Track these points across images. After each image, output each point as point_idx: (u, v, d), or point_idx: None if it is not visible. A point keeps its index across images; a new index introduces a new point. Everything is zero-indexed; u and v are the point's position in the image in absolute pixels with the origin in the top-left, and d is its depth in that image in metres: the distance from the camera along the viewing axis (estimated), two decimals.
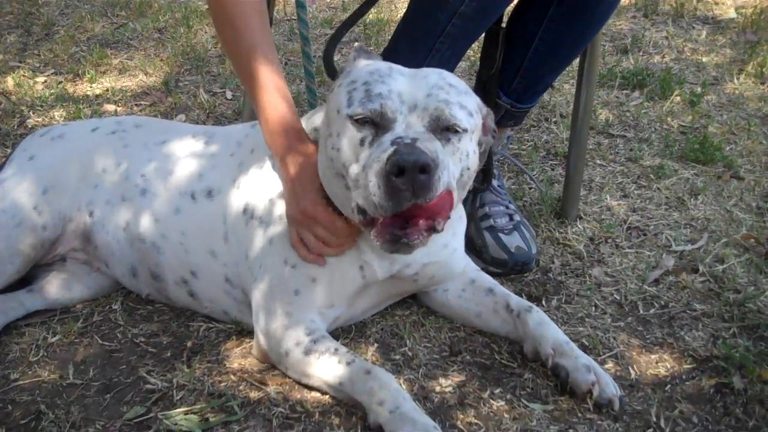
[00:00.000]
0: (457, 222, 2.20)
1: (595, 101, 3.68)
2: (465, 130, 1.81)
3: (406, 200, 1.66)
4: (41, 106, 3.55)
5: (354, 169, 1.76)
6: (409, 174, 1.63)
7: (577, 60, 2.69)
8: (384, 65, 1.86)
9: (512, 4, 2.44)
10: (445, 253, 2.18)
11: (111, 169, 2.25)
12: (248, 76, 2.01)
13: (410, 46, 2.32)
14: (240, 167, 2.13)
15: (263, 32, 2.04)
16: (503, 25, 2.51)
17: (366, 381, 1.84)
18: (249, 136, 2.21)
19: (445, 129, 1.79)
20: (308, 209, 1.94)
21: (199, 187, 2.16)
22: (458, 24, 2.23)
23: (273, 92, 1.98)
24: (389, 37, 2.52)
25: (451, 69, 2.32)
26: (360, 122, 1.75)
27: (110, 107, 3.55)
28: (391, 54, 2.39)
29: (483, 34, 2.51)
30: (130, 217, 2.21)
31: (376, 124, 1.76)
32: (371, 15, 4.78)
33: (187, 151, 2.24)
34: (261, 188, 2.07)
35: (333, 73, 2.24)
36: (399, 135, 1.72)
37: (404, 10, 2.47)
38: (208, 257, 2.12)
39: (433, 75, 1.86)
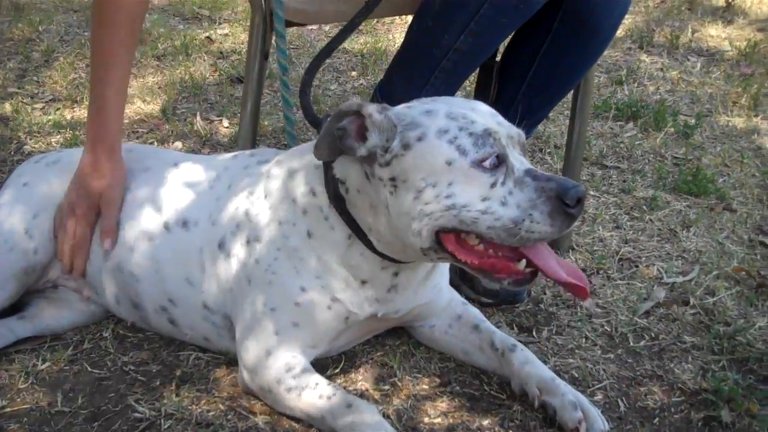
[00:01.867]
0: None
1: (589, 132, 3.70)
2: None
3: (572, 225, 1.76)
4: (38, 133, 3.56)
5: (478, 207, 1.74)
6: (582, 203, 1.73)
7: (571, 92, 2.71)
8: (443, 106, 1.85)
9: (507, 39, 2.47)
10: (433, 293, 2.20)
11: None
12: (95, 76, 2.21)
13: (405, 80, 2.34)
14: (217, 202, 2.13)
15: (128, 45, 2.20)
16: (498, 59, 2.53)
17: (347, 414, 1.84)
18: (228, 169, 2.20)
19: None
20: (82, 216, 2.20)
21: (174, 218, 2.16)
22: (453, 59, 2.25)
23: (112, 103, 2.19)
24: (386, 67, 2.54)
25: None
26: (488, 166, 1.75)
27: None
28: (386, 86, 2.41)
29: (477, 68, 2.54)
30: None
31: (501, 162, 1.77)
32: (368, 45, 4.82)
33: (166, 181, 2.24)
34: (237, 228, 2.07)
35: (308, 105, 2.24)
36: (528, 167, 1.79)
37: (400, 41, 2.48)
38: (185, 285, 2.13)
39: (483, 105, 1.90)
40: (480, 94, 2.56)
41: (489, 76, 2.51)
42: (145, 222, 2.20)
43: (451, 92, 2.37)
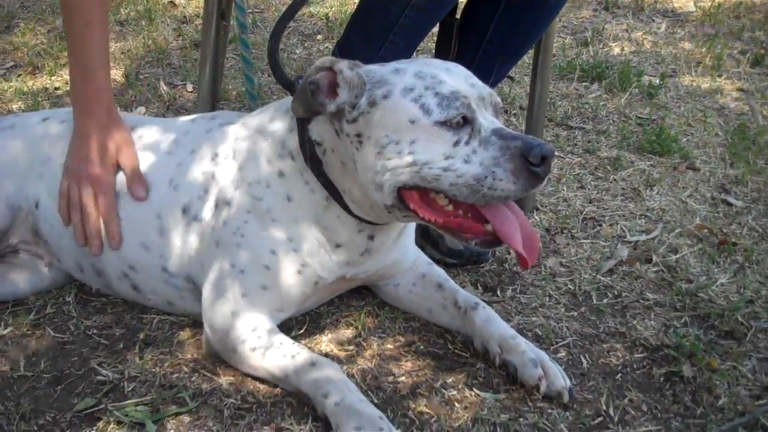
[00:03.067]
0: None
1: (554, 93, 3.71)
2: None
3: (538, 185, 1.73)
4: (0, 99, 3.51)
5: (440, 164, 1.74)
6: (548, 161, 1.70)
7: (532, 51, 2.71)
8: (414, 66, 1.85)
9: None
10: (400, 252, 2.20)
11: (55, 159, 2.23)
12: (77, 39, 2.16)
13: (364, 39, 2.32)
14: (179, 167, 2.11)
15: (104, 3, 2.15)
16: (457, 16, 2.52)
17: (311, 373, 1.85)
18: (188, 133, 2.18)
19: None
20: (102, 176, 2.11)
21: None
22: (411, 15, 2.23)
23: (98, 62, 2.15)
24: None
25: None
26: (452, 125, 1.75)
27: (69, 100, 3.52)
28: (344, 47, 2.38)
29: (437, 26, 2.52)
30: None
31: (467, 122, 1.76)
32: (333, 8, 4.78)
33: None
34: (204, 192, 2.05)
35: (278, 69, 2.21)
36: (497, 126, 1.77)
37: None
38: (142, 250, 2.11)
39: (459, 68, 1.89)
40: (440, 52, 2.55)
41: (449, 33, 2.50)
42: None
43: (410, 50, 2.37)
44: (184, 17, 4.65)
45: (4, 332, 2.13)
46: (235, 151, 2.04)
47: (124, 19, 4.57)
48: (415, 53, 2.54)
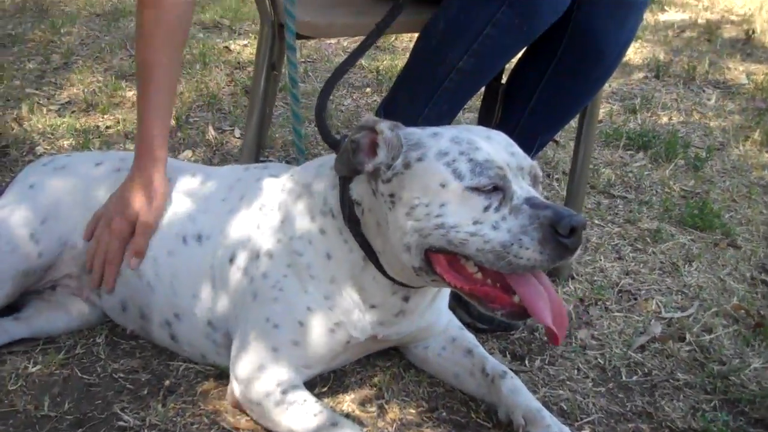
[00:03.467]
0: None
1: (598, 161, 3.70)
2: None
3: (567, 257, 1.72)
4: (52, 135, 3.60)
5: (468, 229, 1.74)
6: (578, 233, 1.69)
7: (578, 118, 2.71)
8: (452, 131, 1.87)
9: (513, 61, 2.47)
10: (434, 316, 2.20)
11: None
12: (141, 95, 2.26)
13: (408, 98, 2.35)
14: (229, 214, 2.15)
15: (170, 62, 2.24)
16: (503, 81, 2.54)
17: None
18: (241, 180, 2.22)
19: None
20: (121, 229, 2.20)
21: (191, 231, 2.18)
22: (455, 79, 2.26)
23: (161, 127, 2.24)
24: None
25: (448, 122, 2.36)
26: (484, 191, 1.76)
27: (119, 140, 3.59)
28: (390, 104, 2.42)
29: (483, 90, 2.54)
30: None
31: (499, 189, 1.77)
32: (384, 62, 4.83)
33: (182, 192, 2.26)
34: (248, 240, 2.08)
35: (325, 128, 2.25)
36: (530, 195, 1.77)
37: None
38: (193, 300, 2.14)
39: (501, 135, 1.90)
40: (485, 116, 2.57)
41: (494, 98, 2.53)
42: (166, 233, 2.22)
43: (454, 112, 2.39)
44: (238, 63, 4.73)
45: (33, 370, 2.16)
46: (280, 204, 2.07)
47: None
48: (462, 111, 2.55)
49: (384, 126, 1.85)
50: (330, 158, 2.07)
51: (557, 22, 2.26)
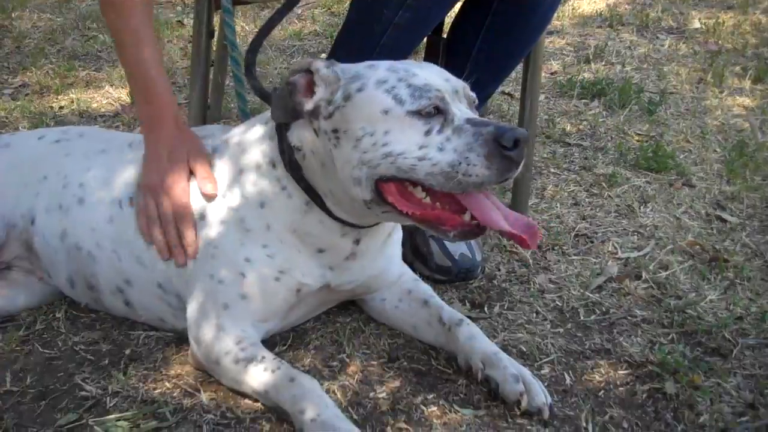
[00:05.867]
0: (397, 229, 2.23)
1: (553, 111, 3.73)
2: None
3: (513, 170, 1.75)
4: (6, 118, 3.57)
5: (415, 154, 1.76)
6: (520, 145, 1.72)
7: (522, 68, 2.73)
8: (386, 63, 1.90)
9: (452, 16, 2.48)
10: (386, 263, 2.22)
11: (51, 177, 2.27)
12: (132, 61, 2.18)
13: (348, 56, 2.33)
14: None
15: (146, 21, 2.19)
16: (443, 35, 2.55)
17: (289, 388, 1.86)
18: None
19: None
20: (176, 181, 2.07)
21: (126, 195, 2.18)
22: (393, 35, 2.27)
23: (158, 78, 2.17)
24: None
25: None
26: (425, 114, 1.78)
27: (74, 119, 3.57)
28: None
29: (425, 44, 2.55)
30: (67, 226, 2.22)
31: (439, 112, 1.79)
32: (338, 26, 4.81)
33: (121, 160, 2.25)
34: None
35: (255, 82, 2.24)
36: (469, 115, 1.81)
37: None
38: (137, 265, 2.14)
39: (433, 66, 1.94)
40: None
41: (436, 52, 2.53)
42: (103, 203, 2.20)
43: None
44: (191, 37, 4.69)
45: None
46: (213, 165, 2.07)
47: None
48: None
49: (319, 64, 1.87)
50: (264, 114, 2.08)
51: None
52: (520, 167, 1.76)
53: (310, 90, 1.88)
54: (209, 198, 2.05)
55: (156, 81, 2.17)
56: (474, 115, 1.84)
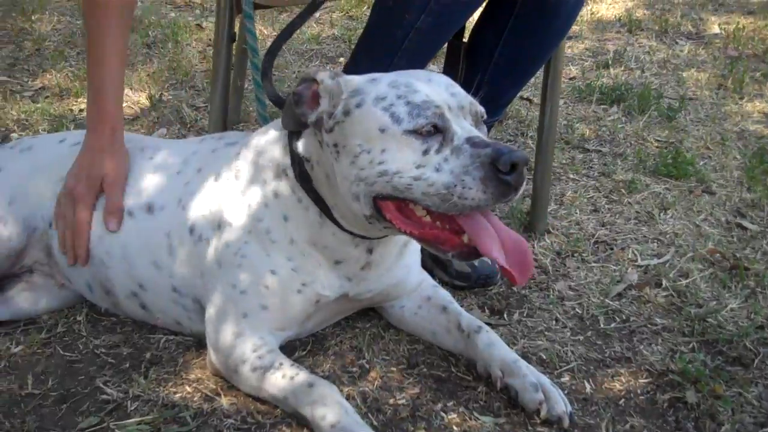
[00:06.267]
0: None
1: (572, 116, 3.72)
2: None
3: (511, 194, 1.71)
4: (26, 121, 3.59)
5: (411, 173, 1.74)
6: (518, 170, 1.68)
7: (543, 74, 2.72)
8: (391, 75, 1.88)
9: (473, 20, 2.47)
10: (404, 272, 2.22)
11: None
12: (94, 60, 2.23)
13: (370, 61, 2.35)
14: (186, 186, 2.15)
15: (121, 26, 2.23)
16: (464, 39, 2.55)
17: (308, 394, 1.86)
18: (197, 153, 2.22)
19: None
20: (83, 195, 2.18)
21: (138, 204, 2.18)
22: (415, 40, 2.26)
23: (110, 86, 2.22)
24: None
25: None
26: (423, 133, 1.76)
27: None
28: (350, 68, 2.41)
29: (445, 49, 2.55)
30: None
31: (438, 131, 1.77)
32: (357, 30, 4.82)
33: (134, 166, 2.26)
34: (208, 211, 2.08)
35: (271, 89, 2.24)
36: (472, 134, 1.77)
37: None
38: (153, 269, 2.15)
39: (442, 77, 1.91)
40: (449, 75, 2.58)
41: (456, 56, 2.53)
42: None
43: None
44: (210, 40, 4.71)
45: (15, 350, 2.17)
46: (237, 172, 2.07)
47: (152, 42, 4.65)
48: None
49: (324, 75, 1.87)
50: (277, 121, 2.08)
51: None
52: (519, 192, 1.73)
53: (316, 100, 1.88)
54: (110, 231, 2.19)
55: (107, 87, 2.22)
56: (478, 132, 1.81)
